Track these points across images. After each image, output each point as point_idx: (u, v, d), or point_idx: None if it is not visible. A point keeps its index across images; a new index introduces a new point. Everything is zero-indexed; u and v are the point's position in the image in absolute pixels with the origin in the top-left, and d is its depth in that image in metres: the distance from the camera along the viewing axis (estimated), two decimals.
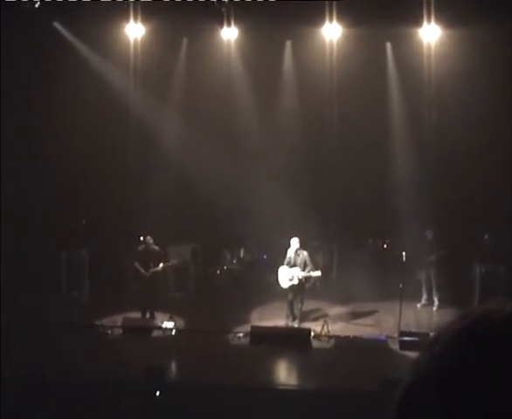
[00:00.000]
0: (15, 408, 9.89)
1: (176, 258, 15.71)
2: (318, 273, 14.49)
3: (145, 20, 16.97)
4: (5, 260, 15.33)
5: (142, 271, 14.94)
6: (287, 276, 14.37)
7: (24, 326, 13.47)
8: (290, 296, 14.48)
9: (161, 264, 15.12)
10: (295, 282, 14.32)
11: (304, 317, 14.75)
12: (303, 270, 14.30)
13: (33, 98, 16.79)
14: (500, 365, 0.85)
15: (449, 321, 0.94)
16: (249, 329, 13.98)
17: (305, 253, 14.43)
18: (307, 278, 14.75)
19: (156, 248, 15.17)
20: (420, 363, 0.92)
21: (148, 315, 14.92)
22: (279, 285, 14.59)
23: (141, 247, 15.21)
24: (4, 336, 11.87)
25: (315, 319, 14.70)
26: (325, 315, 14.82)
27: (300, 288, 14.46)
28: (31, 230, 16.57)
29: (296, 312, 14.50)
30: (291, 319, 14.53)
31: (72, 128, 17.09)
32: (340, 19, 16.43)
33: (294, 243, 14.46)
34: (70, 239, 16.67)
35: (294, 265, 14.35)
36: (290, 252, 14.48)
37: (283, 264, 14.46)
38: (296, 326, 14.43)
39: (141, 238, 15.63)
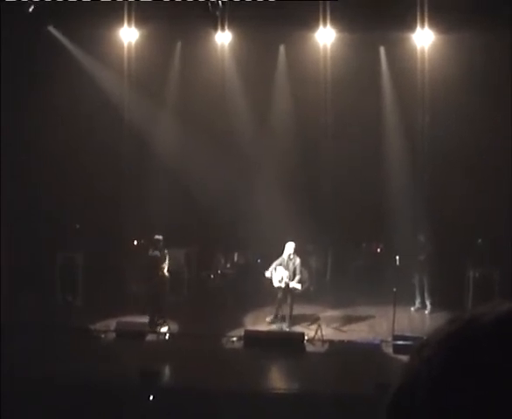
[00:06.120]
0: (11, 410, 9.85)
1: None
2: (298, 286, 14.44)
3: (139, 24, 16.95)
4: (3, 263, 15.30)
5: (163, 273, 14.69)
6: (279, 277, 14.48)
7: (19, 328, 13.43)
8: (279, 295, 14.59)
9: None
10: (282, 285, 14.46)
11: (298, 321, 14.76)
12: (292, 276, 14.36)
13: (28, 101, 16.74)
14: (488, 367, 0.85)
15: (439, 325, 0.94)
16: (243, 333, 13.98)
17: (297, 261, 14.47)
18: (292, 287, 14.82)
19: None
20: (410, 367, 0.92)
21: (157, 320, 14.68)
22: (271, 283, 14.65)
23: (154, 252, 14.79)
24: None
25: (309, 323, 14.69)
26: (319, 319, 14.81)
27: (287, 291, 14.51)
28: (26, 233, 16.52)
29: (285, 314, 14.54)
30: (278, 319, 14.58)
31: (67, 132, 17.06)
32: (334, 23, 16.45)
33: (289, 247, 14.49)
34: (64, 243, 16.63)
35: (285, 269, 14.42)
36: (284, 255, 14.55)
37: (277, 264, 14.53)
38: (286, 329, 14.45)
39: (136, 242, 15.59)
